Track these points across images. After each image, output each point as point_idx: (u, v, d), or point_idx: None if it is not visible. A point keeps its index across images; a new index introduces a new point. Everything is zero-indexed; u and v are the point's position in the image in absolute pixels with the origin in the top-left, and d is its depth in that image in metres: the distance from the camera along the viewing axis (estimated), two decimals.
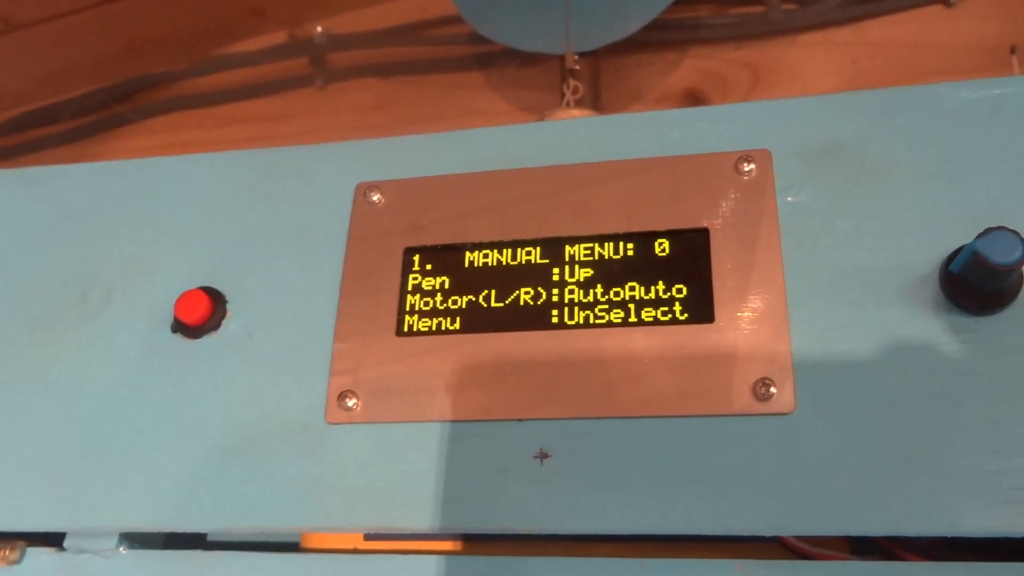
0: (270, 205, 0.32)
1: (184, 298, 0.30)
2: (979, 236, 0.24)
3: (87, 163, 0.34)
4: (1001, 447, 0.24)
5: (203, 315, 0.29)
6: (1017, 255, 0.23)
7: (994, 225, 0.24)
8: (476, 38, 0.56)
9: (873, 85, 0.52)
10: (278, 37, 0.63)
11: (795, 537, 0.28)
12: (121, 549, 0.29)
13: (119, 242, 0.33)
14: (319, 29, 0.61)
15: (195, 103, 0.63)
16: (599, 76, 0.58)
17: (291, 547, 0.31)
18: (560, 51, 0.53)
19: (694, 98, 0.56)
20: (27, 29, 0.61)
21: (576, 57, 0.53)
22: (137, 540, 0.30)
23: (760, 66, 0.56)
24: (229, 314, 0.30)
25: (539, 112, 0.52)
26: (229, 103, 0.63)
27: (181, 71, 0.63)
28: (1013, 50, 0.50)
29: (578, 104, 0.53)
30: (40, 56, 0.63)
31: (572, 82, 0.53)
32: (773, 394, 0.25)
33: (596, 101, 0.57)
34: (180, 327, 0.30)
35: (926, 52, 0.52)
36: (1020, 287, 0.25)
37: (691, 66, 0.57)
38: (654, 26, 0.51)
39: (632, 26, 0.51)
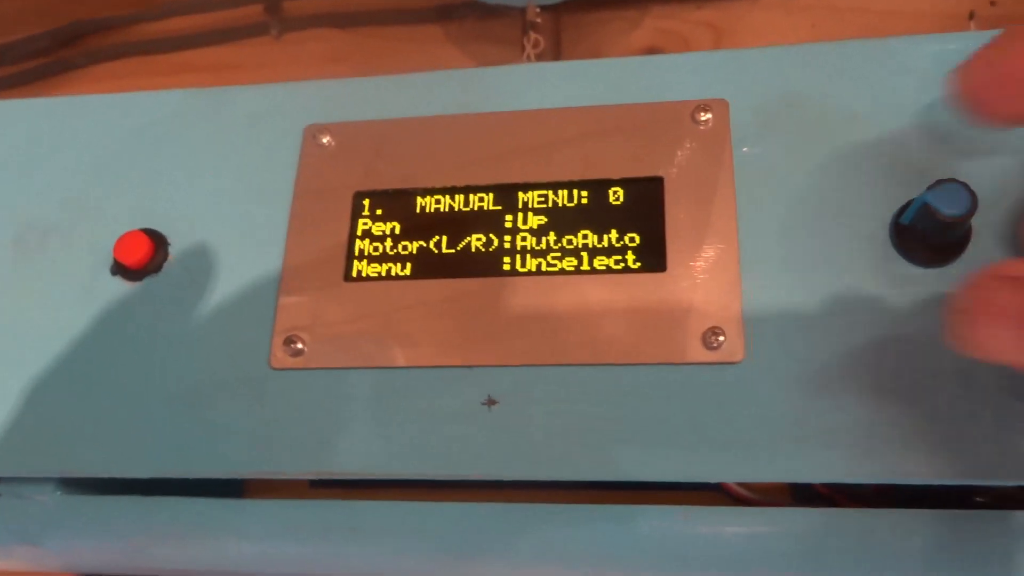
0: (215, 146, 0.31)
1: (124, 239, 0.29)
2: (930, 188, 0.24)
3: (20, 99, 0.33)
4: (941, 396, 0.24)
5: (144, 257, 0.28)
6: (966, 207, 0.23)
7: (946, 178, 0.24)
8: None
9: None
10: None
11: (738, 484, 0.28)
12: (59, 494, 0.29)
13: (55, 182, 0.31)
14: None
15: (145, 49, 0.61)
16: (560, 32, 0.57)
17: (235, 495, 0.31)
18: (522, 3, 0.52)
19: None
20: None
21: (538, 10, 0.52)
22: (75, 485, 0.29)
23: (721, 26, 0.56)
24: (171, 256, 0.29)
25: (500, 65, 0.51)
26: (181, 50, 0.61)
27: (130, 16, 0.61)
28: (971, 16, 0.50)
29: (539, 58, 0.52)
30: None
31: (533, 35, 0.53)
32: (722, 343, 0.25)
33: (557, 57, 0.56)
34: (120, 269, 0.29)
35: (886, 18, 0.52)
36: (968, 240, 0.25)
37: (652, 25, 0.57)
38: None
39: None
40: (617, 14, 0.57)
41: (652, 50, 0.56)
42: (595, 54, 0.56)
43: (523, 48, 0.54)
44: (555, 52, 0.56)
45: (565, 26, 0.57)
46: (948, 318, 0.22)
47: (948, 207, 0.23)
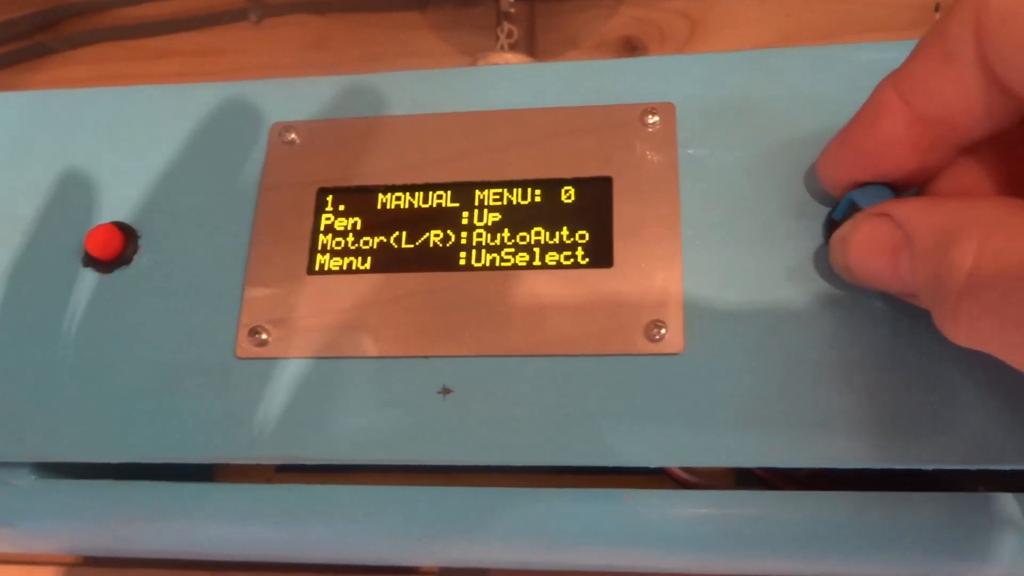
0: (184, 142, 0.32)
1: (95, 232, 0.30)
2: (857, 188, 0.25)
3: None
4: (871, 382, 0.26)
5: (114, 250, 0.30)
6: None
7: None
8: None
9: (805, 37, 0.53)
10: None
11: (681, 468, 0.29)
12: (34, 478, 0.30)
13: (26, 175, 0.32)
14: None
15: (124, 34, 0.61)
16: (535, 20, 0.58)
17: (205, 479, 0.32)
18: None
19: (631, 46, 0.57)
20: None
21: (512, 0, 0.53)
22: (50, 470, 0.30)
23: (696, 16, 0.57)
24: (141, 249, 0.30)
25: (475, 54, 0.52)
26: (160, 35, 0.61)
27: (109, 0, 0.61)
28: (937, 8, 0.51)
29: (512, 48, 0.53)
30: None
31: (507, 26, 0.54)
32: (664, 335, 0.27)
33: (531, 46, 0.57)
34: (91, 261, 0.30)
35: (859, 6, 0.53)
36: None
37: (628, 14, 0.58)
38: None
39: None
40: (592, 2, 0.58)
41: (627, 40, 0.57)
42: (570, 43, 0.57)
43: (497, 38, 0.54)
44: (529, 41, 0.57)
45: (540, 14, 0.58)
46: (830, 247, 0.25)
47: (871, 204, 0.25)
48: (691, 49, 0.55)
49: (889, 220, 0.23)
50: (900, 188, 0.25)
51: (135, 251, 0.30)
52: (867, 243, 0.24)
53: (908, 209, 0.23)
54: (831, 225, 0.27)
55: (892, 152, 0.24)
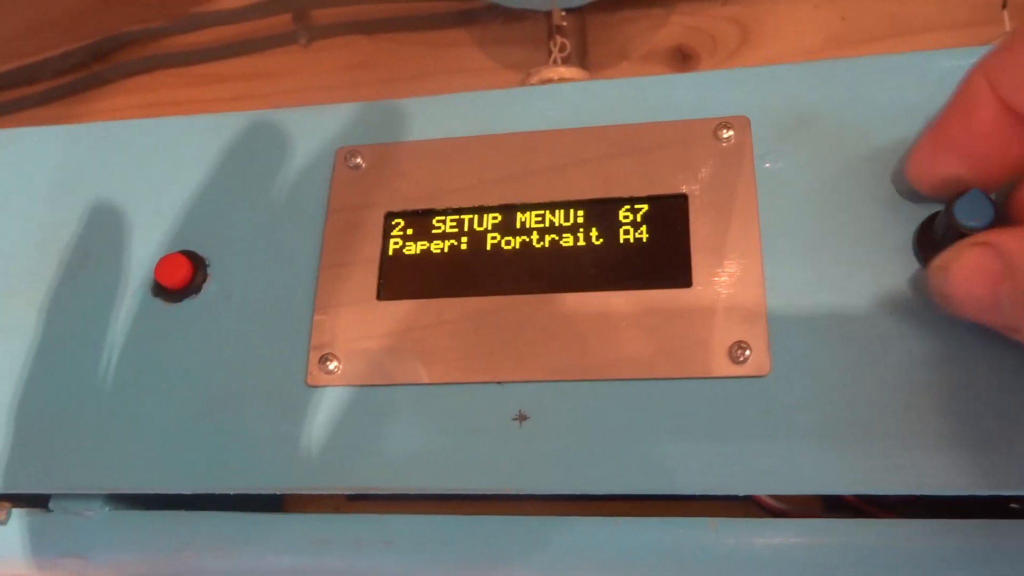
0: (250, 169, 0.32)
1: (164, 262, 0.30)
2: (954, 200, 0.24)
3: (63, 125, 0.34)
4: (964, 409, 0.24)
5: (183, 279, 0.29)
6: (988, 218, 0.23)
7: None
8: None
9: (861, 41, 0.52)
10: None
11: (768, 496, 0.28)
12: (107, 509, 0.30)
13: (97, 205, 0.32)
14: None
15: (176, 61, 0.62)
16: (586, 33, 0.58)
17: (274, 508, 0.32)
18: (546, 7, 0.53)
19: (682, 55, 0.56)
20: None
21: (563, 13, 0.53)
22: (122, 501, 0.30)
23: (748, 23, 0.56)
24: (210, 278, 0.30)
25: (525, 69, 0.51)
26: (210, 61, 0.62)
27: (160, 28, 0.62)
28: (1005, 5, 0.50)
29: (565, 62, 0.53)
30: (12, 12, 0.62)
31: (559, 39, 0.53)
32: (748, 357, 0.26)
33: (583, 58, 0.57)
34: (161, 291, 0.30)
35: (915, 7, 0.52)
36: None
37: (679, 23, 0.57)
38: None
39: None
40: (643, 13, 0.57)
41: (679, 49, 0.56)
42: (622, 54, 0.56)
43: (549, 52, 0.54)
44: (581, 54, 0.57)
45: (591, 27, 0.58)
46: (929, 275, 0.24)
47: (970, 218, 0.23)
48: (743, 56, 0.54)
49: (991, 249, 0.22)
50: (995, 185, 0.24)
51: (204, 280, 0.30)
52: (969, 273, 0.22)
53: (1010, 238, 0.22)
54: (922, 239, 0.25)
55: (987, 142, 0.23)
